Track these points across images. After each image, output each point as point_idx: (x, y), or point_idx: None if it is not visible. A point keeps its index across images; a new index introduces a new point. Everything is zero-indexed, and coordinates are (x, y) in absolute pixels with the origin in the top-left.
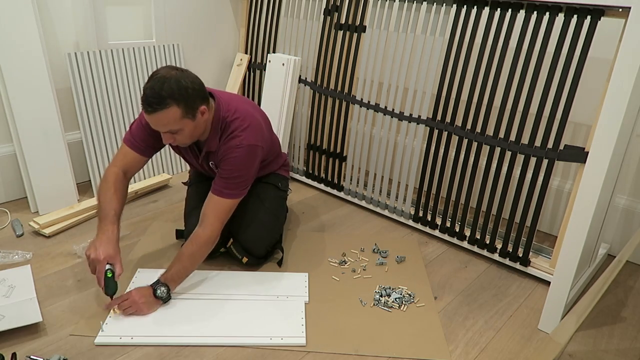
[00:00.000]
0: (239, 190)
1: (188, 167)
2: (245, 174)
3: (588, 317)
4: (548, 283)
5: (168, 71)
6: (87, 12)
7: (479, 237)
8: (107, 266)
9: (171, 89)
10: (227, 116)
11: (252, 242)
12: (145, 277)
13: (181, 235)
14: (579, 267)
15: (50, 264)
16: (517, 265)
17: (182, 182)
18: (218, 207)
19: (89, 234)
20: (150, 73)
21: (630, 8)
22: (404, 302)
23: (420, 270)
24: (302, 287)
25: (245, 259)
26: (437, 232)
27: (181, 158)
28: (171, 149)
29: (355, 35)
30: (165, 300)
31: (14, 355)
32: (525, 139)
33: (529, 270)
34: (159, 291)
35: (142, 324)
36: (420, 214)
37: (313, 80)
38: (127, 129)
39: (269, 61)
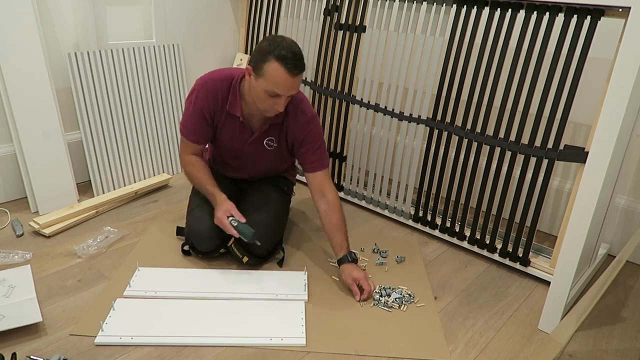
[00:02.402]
0: (327, 157)
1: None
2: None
3: (588, 317)
4: (548, 283)
5: (281, 36)
6: (87, 12)
7: (479, 237)
8: (230, 219)
9: (303, 56)
10: None
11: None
12: (146, 275)
13: (181, 232)
14: (579, 267)
15: (50, 264)
16: (517, 265)
17: None
18: (327, 175)
19: (89, 234)
20: (150, 73)
21: (630, 8)
22: (404, 302)
23: (420, 270)
24: (302, 286)
25: (245, 259)
26: (437, 232)
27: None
28: (217, 134)
29: (355, 35)
30: (358, 259)
31: (14, 355)
32: (525, 139)
33: (529, 270)
34: (352, 257)
35: (142, 323)
36: (420, 214)
37: (313, 80)
38: (181, 118)
39: None
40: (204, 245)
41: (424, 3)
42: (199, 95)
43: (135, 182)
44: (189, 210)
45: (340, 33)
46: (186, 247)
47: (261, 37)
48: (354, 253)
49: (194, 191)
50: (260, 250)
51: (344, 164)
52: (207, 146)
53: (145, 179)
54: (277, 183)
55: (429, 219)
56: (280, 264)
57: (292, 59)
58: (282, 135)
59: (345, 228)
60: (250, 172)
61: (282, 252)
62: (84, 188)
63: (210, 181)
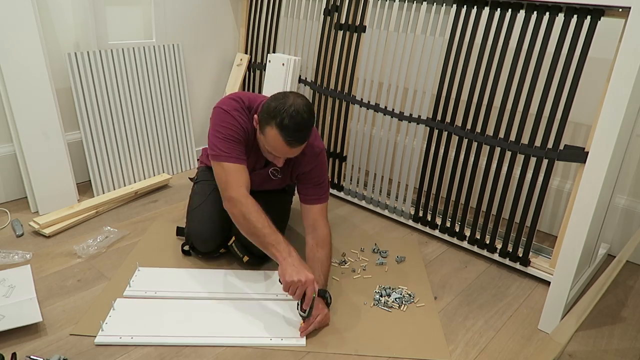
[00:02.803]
0: (329, 192)
1: (195, 164)
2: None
3: (588, 317)
4: (548, 283)
5: (292, 97)
6: (87, 12)
7: (479, 237)
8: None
9: (309, 118)
10: None
11: None
12: (146, 275)
13: (181, 232)
14: (579, 267)
15: (50, 264)
16: (517, 265)
17: (189, 178)
18: (324, 210)
19: (89, 234)
20: (150, 73)
21: (630, 8)
22: (404, 302)
23: (420, 270)
24: None
25: (246, 258)
26: (437, 232)
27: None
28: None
29: (355, 35)
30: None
31: (14, 355)
32: (525, 139)
33: (529, 270)
34: (329, 298)
35: (142, 323)
36: (420, 214)
37: (313, 80)
38: (210, 148)
39: (269, 61)
40: (204, 245)
41: (424, 3)
42: (234, 116)
43: (135, 182)
44: (189, 210)
45: (340, 33)
46: (186, 247)
47: (261, 37)
48: (327, 292)
49: (194, 191)
50: (259, 250)
51: (344, 164)
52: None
53: (145, 179)
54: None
55: (429, 219)
56: None
57: (293, 132)
58: (288, 168)
59: (328, 265)
60: (255, 189)
61: None
62: (84, 188)
63: (277, 235)
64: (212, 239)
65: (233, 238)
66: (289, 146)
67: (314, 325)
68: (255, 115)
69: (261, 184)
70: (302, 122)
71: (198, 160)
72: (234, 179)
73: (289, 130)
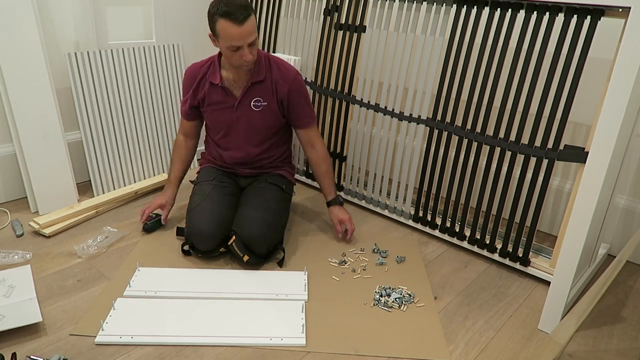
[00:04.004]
0: (315, 115)
1: (195, 165)
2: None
3: (588, 317)
4: (548, 283)
5: None
6: (87, 12)
7: (479, 237)
8: (156, 211)
9: (246, 0)
10: (262, 52)
11: (255, 239)
12: (146, 275)
13: (181, 232)
14: (579, 267)
15: (50, 264)
16: (517, 265)
17: (190, 181)
18: (317, 131)
19: (89, 234)
20: (150, 73)
21: (630, 8)
22: (404, 302)
23: (420, 270)
24: (302, 286)
25: (246, 257)
26: (437, 232)
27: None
28: (205, 107)
29: (355, 35)
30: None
31: (14, 355)
32: (525, 139)
33: (529, 270)
34: (342, 200)
35: (142, 323)
36: (420, 214)
37: (313, 80)
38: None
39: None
40: (204, 244)
41: (424, 3)
42: (185, 74)
43: (135, 182)
44: (189, 209)
45: (340, 33)
46: (186, 247)
47: (261, 37)
48: (340, 197)
49: (194, 191)
50: (261, 250)
51: (344, 164)
52: (201, 136)
53: (145, 179)
54: (276, 182)
55: (429, 219)
56: (281, 264)
57: (235, 10)
58: (272, 92)
59: (332, 175)
60: (246, 149)
61: (282, 252)
62: (84, 188)
63: (176, 167)
64: (211, 237)
65: (233, 237)
66: (238, 24)
67: (350, 231)
68: (209, 34)
69: (247, 124)
70: (239, 1)
71: (198, 160)
72: (179, 127)
73: (231, 12)
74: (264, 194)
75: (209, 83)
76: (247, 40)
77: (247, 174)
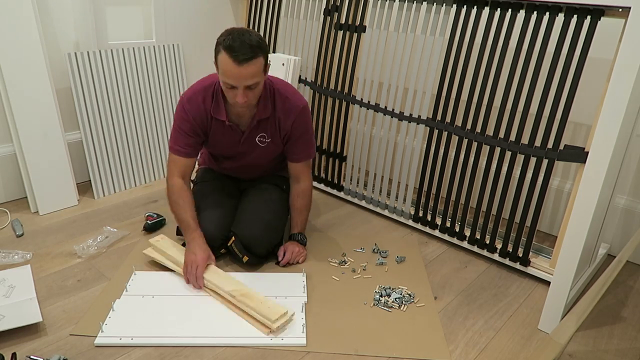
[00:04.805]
0: (315, 146)
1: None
2: (313, 130)
3: (588, 317)
4: (548, 283)
5: (240, 28)
6: (87, 12)
7: (479, 237)
8: (158, 212)
9: (257, 40)
10: (268, 81)
11: (254, 239)
12: (142, 279)
13: (181, 232)
14: (579, 267)
15: (50, 264)
16: (517, 265)
17: (191, 181)
18: (308, 165)
19: (89, 234)
20: (150, 73)
21: (630, 8)
22: (404, 302)
23: (420, 270)
24: (301, 287)
25: (245, 258)
26: (437, 232)
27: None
28: (209, 141)
29: (355, 35)
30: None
31: (14, 355)
32: (525, 139)
33: (529, 270)
34: (305, 240)
35: (142, 324)
36: (420, 214)
37: (313, 80)
38: (169, 138)
39: (269, 61)
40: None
41: (424, 3)
42: (184, 109)
43: (135, 182)
44: None
45: (340, 33)
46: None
47: None
48: (303, 236)
49: (193, 191)
50: (261, 250)
51: (344, 164)
52: (198, 156)
53: (145, 179)
54: (276, 182)
55: (429, 219)
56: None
57: (239, 47)
58: (275, 129)
59: (307, 214)
60: (249, 173)
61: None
62: (84, 188)
63: (190, 212)
64: (212, 238)
65: (233, 238)
66: (237, 64)
67: (286, 258)
68: (214, 62)
69: (252, 156)
70: (248, 40)
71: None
72: (171, 168)
73: (235, 48)
74: (264, 195)
75: (214, 118)
76: (244, 82)
77: (248, 178)
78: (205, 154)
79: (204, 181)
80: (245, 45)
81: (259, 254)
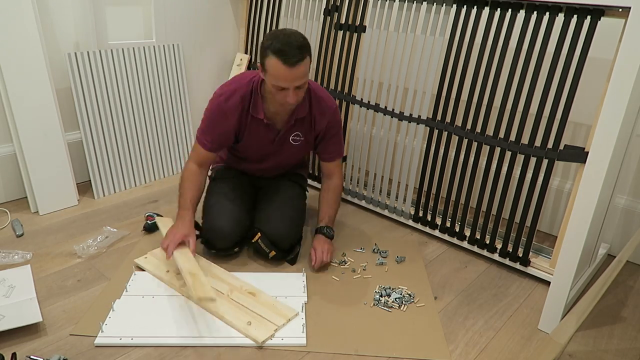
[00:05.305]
0: (344, 146)
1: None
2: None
3: (588, 317)
4: (548, 283)
5: (283, 29)
6: (87, 12)
7: (479, 237)
8: (157, 212)
9: (302, 40)
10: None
11: (280, 235)
12: (142, 279)
13: (197, 226)
14: (579, 267)
15: (50, 264)
16: (517, 265)
17: (209, 177)
18: (339, 163)
19: (89, 234)
20: (150, 73)
21: (630, 8)
22: (404, 302)
23: (420, 270)
24: (301, 288)
25: (272, 253)
26: (437, 232)
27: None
28: (243, 140)
29: (355, 35)
30: (333, 236)
31: (14, 355)
32: (525, 139)
33: (529, 270)
34: (328, 232)
35: (142, 324)
36: (420, 214)
37: (313, 80)
38: (198, 127)
39: None
40: (224, 241)
41: (424, 3)
42: (221, 108)
43: (135, 182)
44: (208, 206)
45: (340, 33)
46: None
47: (261, 37)
48: (331, 229)
49: (211, 187)
50: (285, 245)
51: (344, 164)
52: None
53: (145, 179)
54: (294, 179)
55: (429, 219)
56: (292, 261)
57: (289, 50)
58: (311, 127)
59: (336, 209)
60: (271, 170)
61: (298, 247)
62: (84, 188)
63: (190, 193)
64: (230, 235)
65: (258, 234)
66: (289, 66)
67: (318, 259)
68: (258, 64)
69: (282, 154)
70: (295, 41)
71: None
72: (192, 154)
73: (285, 51)
74: (287, 192)
75: (251, 116)
76: (295, 83)
77: (267, 177)
78: (225, 154)
79: (222, 178)
80: (293, 47)
81: (284, 248)
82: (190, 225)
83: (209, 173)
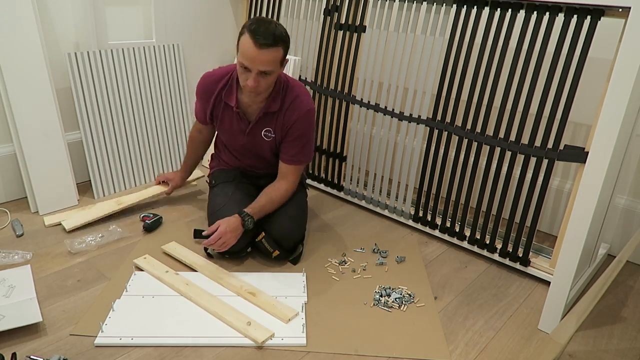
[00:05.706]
0: (312, 154)
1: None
2: (314, 137)
3: (588, 317)
4: (548, 283)
5: (270, 18)
6: (87, 12)
7: (479, 237)
8: (154, 211)
9: (282, 32)
10: (284, 78)
11: (285, 235)
12: (142, 279)
13: (198, 235)
14: (579, 267)
15: (50, 264)
16: (517, 265)
17: (207, 182)
18: (298, 170)
19: (89, 233)
20: (150, 73)
21: (630, 8)
22: (404, 302)
23: (420, 270)
24: (301, 287)
25: (276, 253)
26: (437, 232)
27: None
28: (218, 124)
29: (355, 35)
30: (249, 229)
31: (14, 355)
32: (525, 139)
33: (529, 270)
34: (247, 221)
35: (142, 324)
36: (420, 214)
37: (313, 80)
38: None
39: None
40: (236, 245)
41: (424, 3)
42: (199, 85)
43: (135, 182)
44: (213, 211)
45: (340, 33)
46: (210, 250)
47: None
48: (253, 220)
49: (214, 192)
50: (289, 245)
51: (344, 164)
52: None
53: (145, 179)
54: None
55: (429, 219)
56: (295, 261)
57: (263, 32)
58: (281, 125)
59: (270, 206)
60: (258, 167)
61: (301, 247)
62: (84, 188)
63: (190, 155)
64: (243, 238)
65: (262, 234)
66: (258, 47)
67: (212, 239)
68: (236, 44)
69: (256, 149)
70: (274, 29)
71: (208, 161)
72: (194, 124)
73: (258, 32)
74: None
75: (224, 103)
76: (258, 66)
77: (264, 174)
78: (218, 147)
79: (224, 182)
80: (269, 32)
81: (288, 247)
82: (179, 175)
83: (207, 179)
